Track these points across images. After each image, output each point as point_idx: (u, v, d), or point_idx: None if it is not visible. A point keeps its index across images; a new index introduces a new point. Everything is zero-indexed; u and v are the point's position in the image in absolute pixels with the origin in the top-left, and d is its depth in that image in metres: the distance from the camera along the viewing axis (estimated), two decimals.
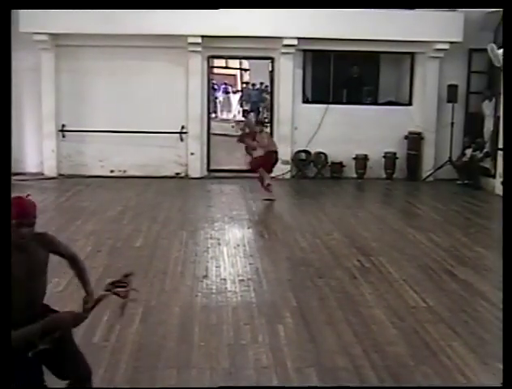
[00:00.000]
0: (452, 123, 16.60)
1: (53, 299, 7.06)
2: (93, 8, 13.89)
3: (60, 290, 7.43)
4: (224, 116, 31.27)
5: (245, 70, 32.94)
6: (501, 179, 13.81)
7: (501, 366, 5.60)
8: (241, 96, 32.39)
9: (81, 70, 16.22)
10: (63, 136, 16.37)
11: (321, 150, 16.67)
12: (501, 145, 14.73)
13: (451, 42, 16.17)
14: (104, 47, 16.06)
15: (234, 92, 32.97)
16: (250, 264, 8.81)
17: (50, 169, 16.22)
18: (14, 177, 15.57)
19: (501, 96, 14.99)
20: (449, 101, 16.48)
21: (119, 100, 16.27)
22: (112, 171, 16.54)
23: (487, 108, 16.15)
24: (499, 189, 14.12)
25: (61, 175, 16.23)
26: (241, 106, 32.14)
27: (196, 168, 16.63)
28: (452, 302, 7.34)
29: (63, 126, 16.31)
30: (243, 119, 26.95)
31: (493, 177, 15.13)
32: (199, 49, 16.10)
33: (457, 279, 8.29)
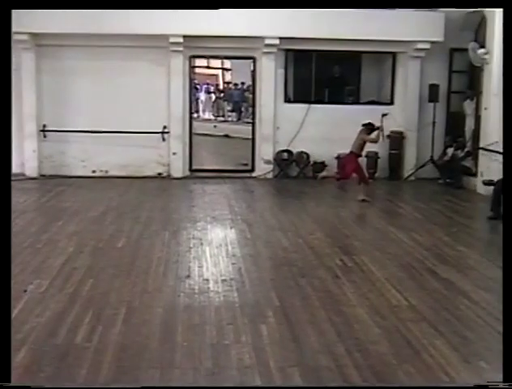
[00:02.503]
0: (433, 122, 16.67)
1: (34, 300, 7.06)
2: (93, 8, 13.73)
3: (42, 291, 7.39)
4: (206, 116, 31.21)
5: (227, 69, 32.91)
6: (483, 178, 13.89)
7: (483, 364, 5.65)
8: (223, 96, 32.38)
9: (62, 70, 16.16)
10: (44, 136, 16.31)
11: (303, 149, 16.69)
12: (481, 144, 14.82)
13: (432, 42, 16.23)
14: (85, 47, 16.02)
15: (216, 92, 32.94)
16: (233, 264, 8.80)
17: (32, 170, 16.14)
18: None
19: (482, 96, 15.10)
20: (430, 101, 16.55)
21: (101, 100, 16.23)
22: (94, 171, 16.49)
23: (468, 107, 16.23)
24: (480, 188, 14.19)
25: (42, 175, 16.16)
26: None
27: (178, 168, 16.61)
28: (434, 301, 7.36)
29: (44, 126, 16.25)
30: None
31: (475, 176, 15.20)
32: (181, 48, 16.08)
33: (439, 277, 8.32)
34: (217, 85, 33.00)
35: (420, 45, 16.38)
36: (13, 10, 14.65)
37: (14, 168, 16.20)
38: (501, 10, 13.73)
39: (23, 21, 14.98)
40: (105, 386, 5.23)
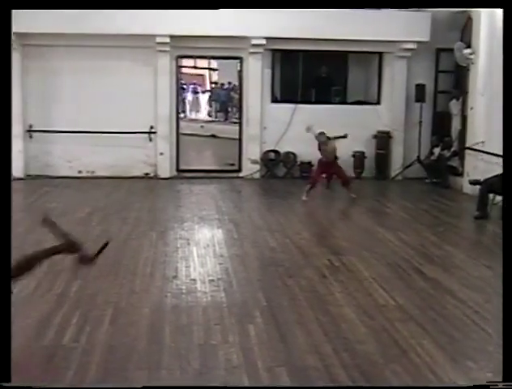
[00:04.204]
0: (420, 122, 16.71)
1: (22, 301, 7.03)
2: (93, 8, 13.60)
3: (29, 292, 7.36)
4: (193, 116, 31.19)
5: (214, 69, 32.90)
6: (469, 178, 13.92)
7: (470, 364, 5.67)
8: (210, 96, 32.38)
9: (49, 70, 16.10)
10: (30, 137, 16.25)
11: (290, 149, 16.70)
12: (468, 144, 14.87)
13: (419, 42, 16.27)
14: (72, 47, 15.95)
15: (203, 92, 32.92)
16: (220, 264, 8.80)
17: (17, 170, 16.04)
18: None
19: (468, 96, 15.14)
20: (417, 101, 16.58)
21: (87, 100, 16.17)
22: (80, 172, 16.44)
23: (454, 107, 16.26)
24: (466, 187, 14.23)
25: (28, 176, 16.10)
26: (210, 106, 32.16)
27: (165, 169, 16.58)
28: (421, 300, 7.38)
29: (30, 126, 16.19)
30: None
31: (461, 175, 15.24)
32: (168, 48, 16.06)
33: (426, 277, 8.34)
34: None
35: (406, 45, 16.41)
36: None
37: None
38: (487, 10, 13.84)
39: None
40: (108, 386, 5.24)
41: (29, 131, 16.22)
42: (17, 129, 15.99)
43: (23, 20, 14.89)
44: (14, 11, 14.60)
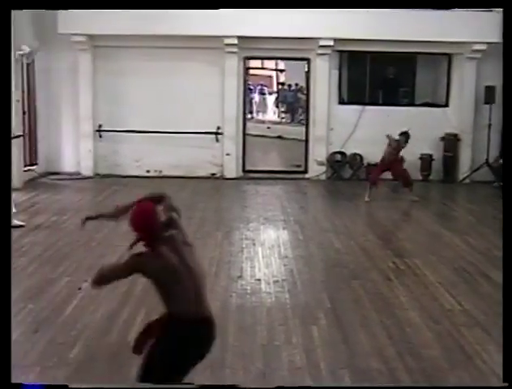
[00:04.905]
0: (489, 125, 16.44)
1: (89, 298, 7.12)
2: (91, 8, 13.69)
3: (96, 289, 7.48)
4: (260, 117, 31.24)
5: (281, 70, 32.90)
6: None
7: None
8: (277, 97, 32.40)
9: (118, 71, 16.33)
10: (100, 136, 16.50)
11: (356, 151, 16.62)
12: None
13: (489, 43, 16.00)
14: (141, 48, 16.17)
15: (270, 93, 32.96)
16: (285, 265, 8.82)
17: (87, 169, 16.35)
18: (51, 177, 15.83)
19: None
20: (486, 103, 16.32)
21: (155, 101, 16.37)
22: (148, 171, 16.63)
23: None
24: None
25: (97, 175, 16.35)
26: (277, 107, 32.17)
27: (231, 169, 16.67)
28: (488, 306, 7.27)
29: (100, 126, 16.45)
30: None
31: None
32: (235, 49, 16.14)
33: (493, 282, 8.21)
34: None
35: (476, 46, 16.17)
36: (70, 13, 14.87)
37: (71, 168, 16.50)
38: None
39: (81, 22, 15.21)
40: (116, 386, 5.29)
41: (99, 131, 16.48)
42: (87, 128, 16.30)
43: (94, 22, 15.21)
44: (84, 13, 14.88)
